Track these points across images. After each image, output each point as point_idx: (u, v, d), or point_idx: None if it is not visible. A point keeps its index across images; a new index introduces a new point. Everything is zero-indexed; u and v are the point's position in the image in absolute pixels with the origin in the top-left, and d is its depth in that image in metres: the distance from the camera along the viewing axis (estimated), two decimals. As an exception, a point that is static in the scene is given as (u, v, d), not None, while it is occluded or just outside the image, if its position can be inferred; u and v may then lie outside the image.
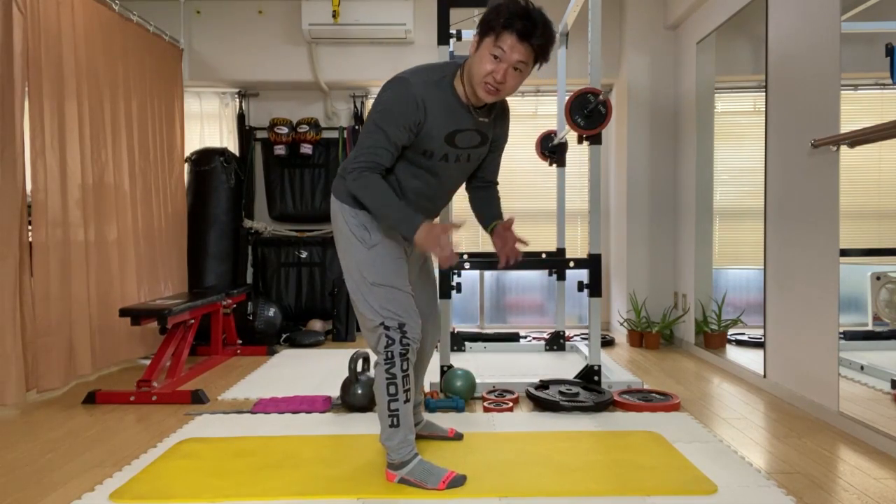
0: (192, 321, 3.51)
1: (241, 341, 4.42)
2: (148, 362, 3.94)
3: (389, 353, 1.98)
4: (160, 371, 3.21)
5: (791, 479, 2.08)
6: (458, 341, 4.24)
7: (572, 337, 4.61)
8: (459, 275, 4.35)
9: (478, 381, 3.14)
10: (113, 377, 3.63)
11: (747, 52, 3.59)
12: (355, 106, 5.12)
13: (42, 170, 3.11)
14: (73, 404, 3.05)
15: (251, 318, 4.45)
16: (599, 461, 2.21)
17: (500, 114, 2.14)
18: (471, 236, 5.22)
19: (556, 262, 3.16)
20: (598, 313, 3.09)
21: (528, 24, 1.82)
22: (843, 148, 2.61)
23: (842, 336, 2.63)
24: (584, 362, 3.80)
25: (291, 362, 3.98)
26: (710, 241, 4.12)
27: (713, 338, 3.98)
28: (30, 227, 3.05)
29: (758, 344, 3.45)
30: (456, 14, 4.27)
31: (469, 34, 3.94)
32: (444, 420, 2.71)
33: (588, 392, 2.98)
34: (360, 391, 2.83)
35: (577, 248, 5.20)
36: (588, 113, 2.88)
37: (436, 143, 1.97)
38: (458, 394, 2.96)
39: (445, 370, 3.13)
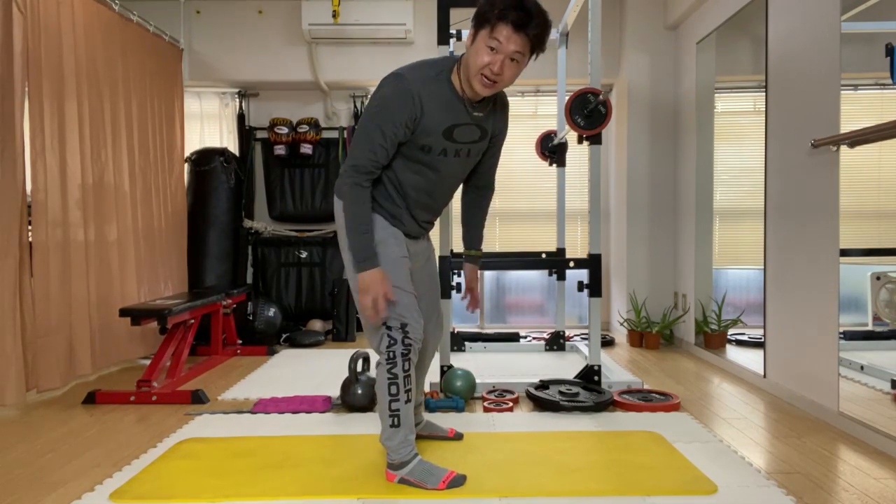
0: (192, 321, 3.51)
1: (241, 341, 4.42)
2: (148, 362, 3.94)
3: (391, 353, 1.98)
4: (160, 371, 3.21)
5: (791, 479, 2.08)
6: (458, 341, 4.24)
7: (572, 337, 4.61)
8: (459, 275, 4.34)
9: (478, 381, 3.14)
10: (113, 377, 3.63)
11: (747, 52, 3.59)
12: (355, 106, 5.12)
13: (42, 170, 3.11)
14: (73, 404, 3.05)
15: (251, 318, 4.45)
16: (599, 461, 2.21)
17: (498, 107, 2.15)
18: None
19: (556, 262, 3.16)
20: (598, 313, 3.09)
21: (523, 14, 1.83)
22: (843, 148, 2.61)
23: (842, 336, 2.63)
24: (584, 362, 3.80)
25: (291, 362, 3.98)
26: (710, 241, 4.12)
27: (713, 338, 3.98)
28: (30, 227, 3.05)
29: (758, 344, 3.45)
30: (456, 14, 4.27)
31: (469, 34, 3.94)
32: (444, 420, 2.71)
33: (588, 392, 2.98)
34: (360, 391, 2.83)
35: (577, 248, 5.20)
36: (588, 113, 2.88)
37: (433, 139, 1.98)
38: (458, 394, 2.96)
39: (445, 370, 3.13)
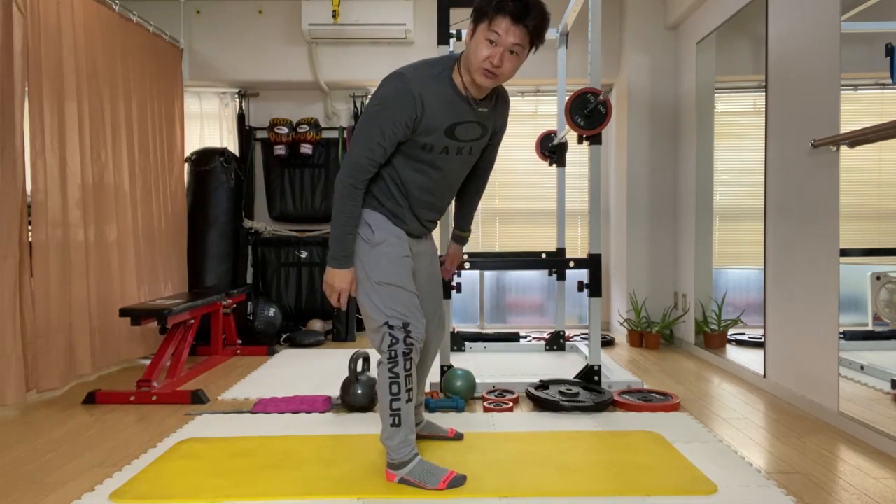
0: (192, 321, 3.51)
1: (241, 341, 4.42)
2: (148, 362, 3.94)
3: (393, 353, 1.98)
4: (160, 371, 3.21)
5: (791, 479, 2.08)
6: (458, 341, 4.24)
7: (572, 337, 4.61)
8: (459, 275, 4.34)
9: (478, 381, 3.14)
10: (113, 377, 3.63)
11: (747, 52, 3.59)
12: (355, 106, 5.12)
13: (42, 170, 3.11)
14: (73, 404, 3.05)
15: (251, 318, 4.45)
16: (599, 461, 2.21)
17: (500, 103, 2.16)
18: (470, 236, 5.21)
19: (556, 262, 3.16)
20: (598, 313, 3.09)
21: (521, 6, 1.85)
22: (843, 148, 2.61)
23: (842, 336, 2.63)
24: (584, 362, 3.80)
25: (291, 362, 3.98)
26: (710, 241, 4.12)
27: (713, 338, 3.98)
28: (30, 227, 3.05)
29: (758, 344, 3.45)
30: (456, 14, 4.27)
31: (469, 34, 3.94)
32: (444, 420, 2.71)
33: (588, 392, 2.98)
34: (360, 391, 2.83)
35: (577, 248, 5.20)
36: (588, 113, 2.88)
37: (435, 137, 1.98)
38: (458, 394, 2.96)
39: (445, 370, 3.13)
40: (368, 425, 2.66)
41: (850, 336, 2.61)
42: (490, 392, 3.06)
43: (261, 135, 5.12)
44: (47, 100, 3.14)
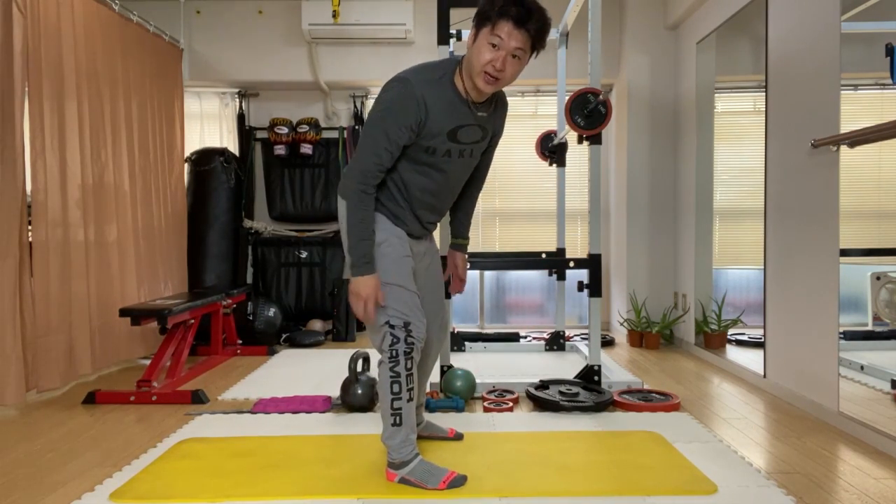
0: (192, 321, 3.51)
1: (241, 341, 4.42)
2: (148, 362, 3.94)
3: (394, 352, 1.99)
4: (160, 371, 3.21)
5: (791, 479, 2.08)
6: (458, 341, 4.24)
7: (572, 337, 4.61)
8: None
9: (478, 381, 3.14)
10: (113, 377, 3.63)
11: (747, 52, 3.59)
12: (355, 106, 5.12)
13: (42, 170, 3.11)
14: (73, 404, 3.05)
15: (251, 318, 4.45)
16: (599, 461, 2.21)
17: (499, 107, 2.17)
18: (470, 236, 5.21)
19: (556, 262, 3.16)
20: (598, 313, 3.09)
21: (523, 10, 1.86)
22: (843, 148, 2.61)
23: (842, 336, 2.63)
24: (584, 362, 3.80)
25: (291, 362, 3.98)
26: (710, 241, 4.12)
27: (713, 338, 3.98)
28: (30, 227, 3.05)
29: (758, 344, 3.45)
30: (456, 14, 4.28)
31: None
32: (444, 420, 2.71)
33: (588, 392, 2.98)
34: (360, 391, 2.83)
35: (577, 248, 5.20)
36: (588, 113, 2.88)
37: (438, 140, 1.99)
38: (458, 394, 2.96)
39: (445, 370, 3.13)
40: (368, 425, 2.66)
41: (850, 336, 2.61)
42: (490, 392, 3.06)
43: (261, 135, 5.12)
44: (47, 100, 3.14)
